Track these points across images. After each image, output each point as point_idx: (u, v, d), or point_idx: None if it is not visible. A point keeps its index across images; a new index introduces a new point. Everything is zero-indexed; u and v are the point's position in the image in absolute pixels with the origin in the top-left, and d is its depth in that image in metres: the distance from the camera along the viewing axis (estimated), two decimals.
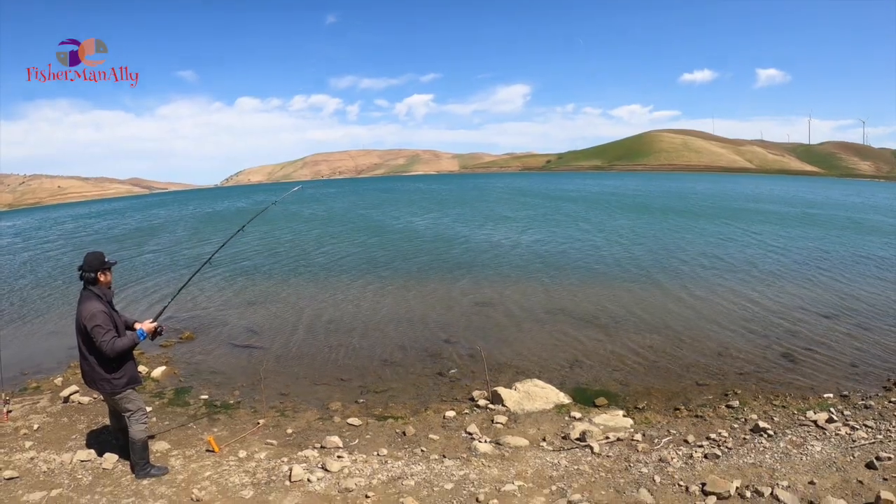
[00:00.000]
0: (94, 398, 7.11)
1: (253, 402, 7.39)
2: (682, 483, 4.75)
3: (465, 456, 5.56)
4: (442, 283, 14.93)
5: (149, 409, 6.80)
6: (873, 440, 5.37)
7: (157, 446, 5.74)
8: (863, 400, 6.67)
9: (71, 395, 7.33)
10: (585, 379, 8.10)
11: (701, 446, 5.56)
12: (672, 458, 5.27)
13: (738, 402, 6.87)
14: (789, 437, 5.63)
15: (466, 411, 6.91)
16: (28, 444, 5.86)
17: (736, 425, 6.14)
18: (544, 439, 5.99)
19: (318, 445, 5.89)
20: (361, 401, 7.48)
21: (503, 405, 6.92)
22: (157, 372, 8.46)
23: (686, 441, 5.76)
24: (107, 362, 4.76)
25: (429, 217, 35.27)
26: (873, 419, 5.96)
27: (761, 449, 5.37)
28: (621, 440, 5.82)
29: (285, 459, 5.45)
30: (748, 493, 4.47)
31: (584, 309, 11.89)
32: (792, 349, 8.84)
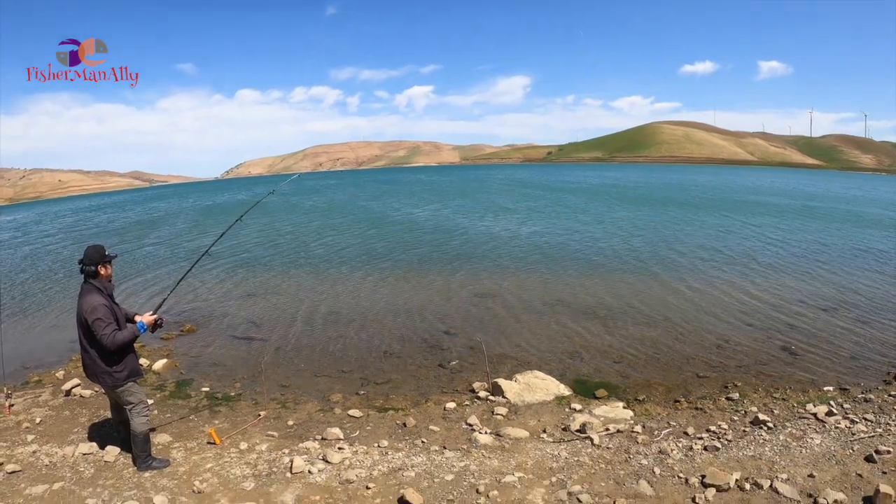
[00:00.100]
0: (96, 391, 7.13)
1: (254, 393, 7.42)
2: (681, 475, 4.76)
3: (465, 447, 5.58)
4: (442, 275, 14.94)
5: (150, 401, 6.80)
6: (873, 434, 5.37)
7: (159, 439, 5.76)
8: (863, 393, 6.67)
9: (72, 388, 7.35)
10: (586, 370, 8.12)
11: (701, 438, 5.58)
12: (672, 450, 5.28)
13: (737, 394, 6.88)
14: (789, 429, 5.64)
15: (467, 403, 6.93)
16: (30, 437, 5.89)
17: (736, 418, 6.16)
18: (545, 431, 6.01)
19: (319, 437, 5.91)
20: (362, 392, 7.50)
21: (503, 397, 6.94)
22: (159, 364, 8.48)
23: (686, 433, 5.77)
24: (108, 355, 4.76)
25: (429, 208, 35.22)
26: (873, 413, 5.97)
27: (761, 441, 5.39)
28: (621, 432, 5.83)
29: (286, 451, 5.47)
30: (747, 486, 4.49)
31: (585, 301, 11.90)
32: (792, 342, 8.84)
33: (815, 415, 5.97)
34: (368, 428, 6.24)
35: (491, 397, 7.02)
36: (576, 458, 5.20)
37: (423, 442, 5.76)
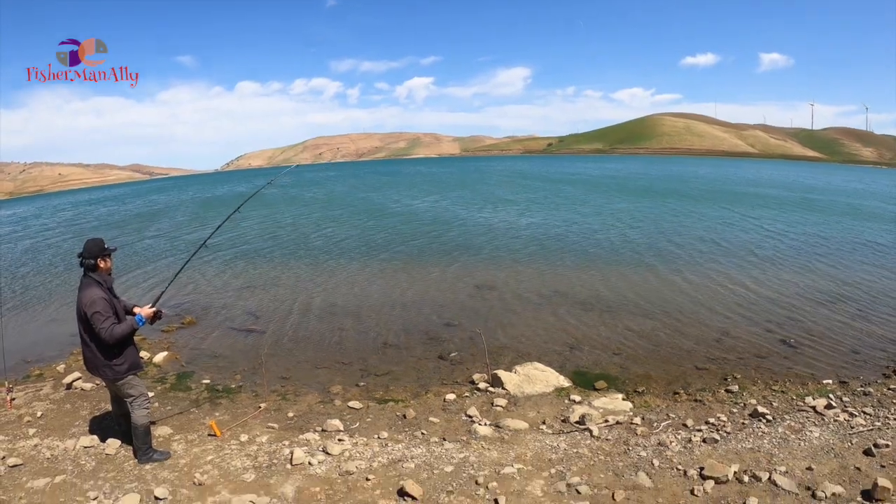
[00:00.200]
0: (97, 384, 7.15)
1: (254, 385, 7.44)
2: (680, 467, 4.78)
3: (465, 439, 5.60)
4: (442, 266, 14.94)
5: (151, 394, 6.83)
6: (871, 427, 5.38)
7: (160, 431, 5.78)
8: (862, 387, 6.68)
9: (73, 381, 7.36)
10: (585, 362, 8.13)
11: (700, 430, 5.59)
12: (671, 442, 5.30)
13: (737, 386, 6.90)
14: (788, 422, 5.65)
15: (467, 394, 6.95)
16: (32, 431, 5.90)
17: (735, 410, 6.17)
18: (544, 422, 6.02)
19: (319, 429, 5.93)
20: (362, 384, 7.52)
21: (503, 388, 6.95)
22: (159, 357, 8.49)
23: (685, 425, 5.79)
24: (108, 349, 4.76)
25: (429, 200, 35.17)
26: (872, 406, 5.97)
27: (760, 434, 5.40)
28: (620, 424, 5.85)
29: (286, 443, 5.49)
30: (746, 478, 4.50)
31: (584, 292, 11.91)
32: (791, 335, 8.84)
33: (814, 408, 5.98)
34: (368, 419, 6.26)
35: (490, 389, 7.04)
36: (575, 450, 5.22)
37: (422, 433, 5.78)
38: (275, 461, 5.06)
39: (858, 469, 4.58)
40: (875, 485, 4.14)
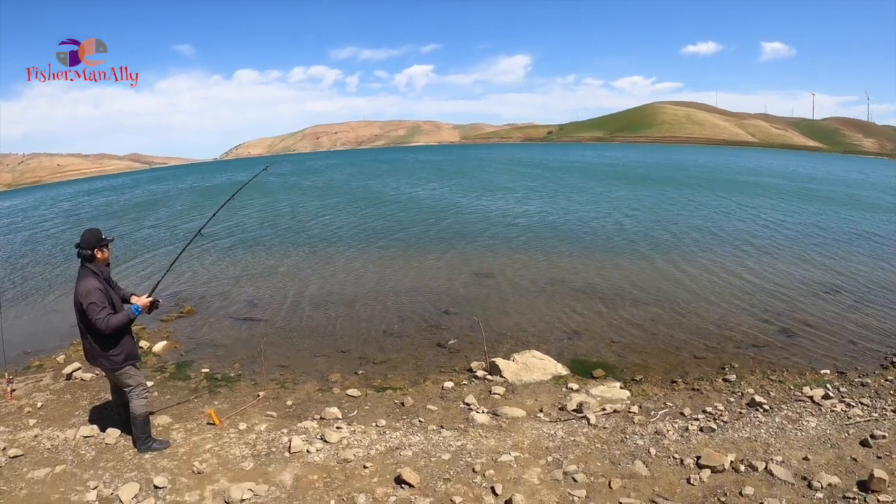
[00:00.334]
0: (97, 374, 7.16)
1: (253, 374, 7.46)
2: (677, 456, 4.80)
3: (462, 427, 5.62)
4: (440, 254, 14.94)
5: (150, 383, 6.86)
6: (869, 418, 5.39)
7: (159, 420, 5.80)
8: (860, 377, 6.69)
9: (73, 371, 7.37)
10: (583, 350, 8.15)
11: (697, 419, 5.61)
12: (668, 431, 5.32)
13: (734, 375, 6.91)
14: (785, 412, 5.67)
15: (465, 382, 6.97)
16: (32, 421, 5.91)
17: (732, 399, 6.19)
18: (541, 410, 6.04)
19: (318, 417, 5.95)
20: (361, 372, 7.54)
21: (501, 376, 6.97)
22: (159, 346, 8.51)
23: (682, 414, 5.81)
24: (104, 339, 4.76)
25: (427, 188, 35.06)
26: (869, 397, 5.99)
27: (757, 423, 5.42)
28: (618, 412, 5.87)
29: (285, 431, 5.50)
30: (742, 468, 4.52)
31: (583, 281, 11.91)
32: (790, 325, 8.85)
33: (811, 398, 5.99)
34: (366, 407, 6.28)
35: (489, 377, 7.06)
36: (572, 438, 5.24)
37: (420, 421, 5.80)
38: (273, 449, 5.09)
39: (855, 460, 4.60)
40: (871, 476, 4.15)
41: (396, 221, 21.30)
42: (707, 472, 4.47)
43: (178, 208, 31.69)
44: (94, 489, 4.42)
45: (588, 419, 5.64)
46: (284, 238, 18.67)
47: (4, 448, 5.18)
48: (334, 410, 6.03)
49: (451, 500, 4.22)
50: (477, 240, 16.93)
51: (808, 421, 5.40)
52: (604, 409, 5.92)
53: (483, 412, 5.95)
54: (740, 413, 5.74)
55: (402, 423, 5.80)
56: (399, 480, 4.46)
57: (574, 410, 5.93)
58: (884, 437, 4.88)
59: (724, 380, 6.81)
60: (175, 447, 5.15)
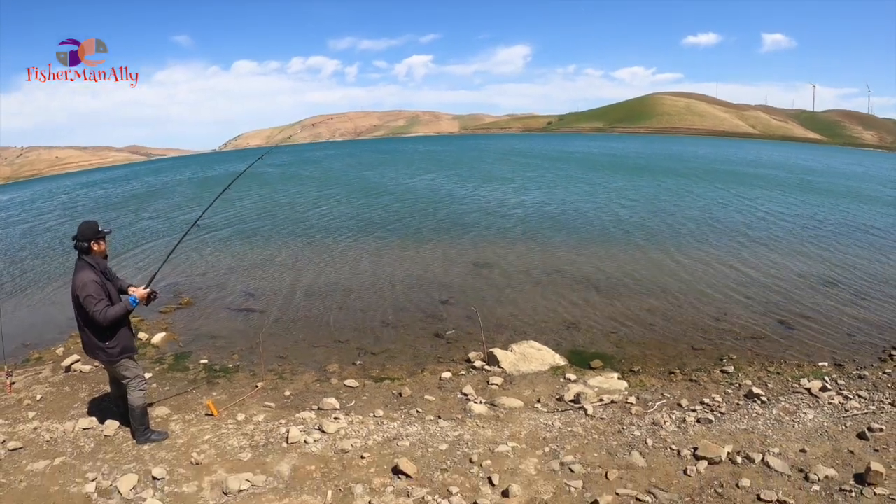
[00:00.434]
0: (95, 367, 7.16)
1: (252, 365, 7.46)
2: (674, 447, 4.81)
3: (459, 417, 5.63)
4: (439, 245, 14.92)
5: (149, 375, 6.87)
6: (866, 411, 5.40)
7: (158, 411, 5.81)
8: (857, 370, 6.69)
9: (72, 364, 7.37)
10: (581, 341, 8.15)
11: (694, 411, 5.62)
12: (665, 422, 5.33)
13: (732, 367, 6.92)
14: (782, 404, 5.68)
15: (462, 372, 6.98)
16: (31, 414, 5.92)
17: (730, 391, 6.20)
18: (539, 401, 6.05)
19: (316, 407, 5.96)
20: (359, 363, 7.54)
21: (499, 366, 6.98)
22: (157, 338, 8.50)
23: (679, 405, 5.82)
24: (101, 332, 4.75)
25: (426, 178, 34.94)
26: (867, 390, 5.99)
27: (754, 415, 5.43)
28: (615, 403, 5.88)
29: (283, 422, 5.52)
30: (739, 459, 4.53)
31: (581, 271, 11.90)
32: (788, 317, 8.85)
33: (808, 390, 6.00)
34: (364, 398, 6.29)
35: (486, 367, 7.06)
36: (569, 429, 5.26)
37: (418, 412, 5.82)
38: (271, 440, 5.10)
39: (852, 452, 4.61)
40: (868, 468, 4.16)
41: (394, 212, 21.26)
42: (704, 463, 4.48)
43: (177, 199, 31.59)
44: (93, 481, 4.44)
45: (585, 410, 5.65)
46: (282, 228, 18.63)
47: (4, 440, 5.20)
48: (332, 401, 6.04)
49: (448, 491, 4.23)
50: (475, 230, 16.91)
51: (805, 413, 5.42)
52: (601, 400, 5.93)
53: (481, 403, 5.96)
54: (738, 405, 5.75)
55: (400, 413, 5.81)
56: (396, 470, 4.47)
57: (571, 401, 5.94)
58: (881, 429, 4.89)
59: (722, 371, 6.81)
60: (173, 438, 5.16)
